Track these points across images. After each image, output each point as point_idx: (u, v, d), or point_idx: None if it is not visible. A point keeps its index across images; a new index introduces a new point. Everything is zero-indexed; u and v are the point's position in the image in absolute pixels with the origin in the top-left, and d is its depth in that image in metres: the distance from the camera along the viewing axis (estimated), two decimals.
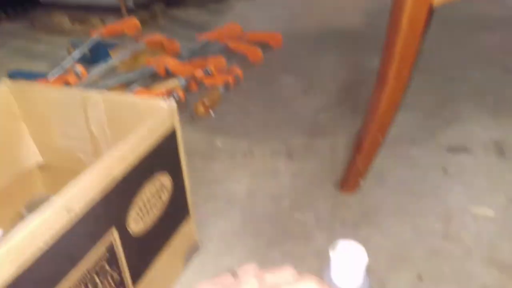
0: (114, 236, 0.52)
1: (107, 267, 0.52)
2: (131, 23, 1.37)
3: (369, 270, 0.66)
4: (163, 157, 0.59)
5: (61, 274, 0.45)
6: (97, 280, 0.51)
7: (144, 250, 0.59)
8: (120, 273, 0.54)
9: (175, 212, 0.64)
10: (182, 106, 1.10)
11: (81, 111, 0.64)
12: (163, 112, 0.57)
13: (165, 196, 0.60)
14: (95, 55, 1.28)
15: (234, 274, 0.32)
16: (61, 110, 0.65)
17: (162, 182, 0.59)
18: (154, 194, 0.58)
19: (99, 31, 1.35)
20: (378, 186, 0.83)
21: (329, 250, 0.50)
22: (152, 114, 0.56)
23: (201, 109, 1.05)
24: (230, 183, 0.86)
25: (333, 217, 0.78)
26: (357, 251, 0.49)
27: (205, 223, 0.78)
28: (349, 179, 0.80)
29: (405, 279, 0.67)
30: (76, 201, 0.44)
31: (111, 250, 0.51)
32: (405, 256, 0.70)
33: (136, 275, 0.57)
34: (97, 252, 0.49)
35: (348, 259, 0.49)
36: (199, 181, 0.86)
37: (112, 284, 0.53)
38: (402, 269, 0.68)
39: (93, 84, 1.13)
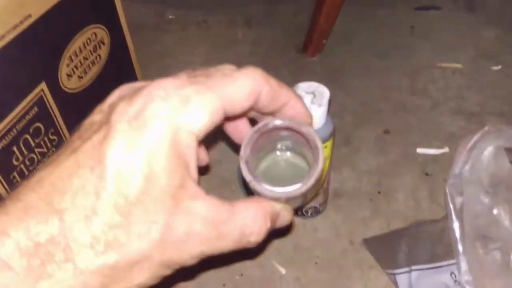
0: (44, 91, 0.45)
1: (42, 128, 0.46)
2: None
3: (336, 128, 0.63)
4: (93, 5, 0.50)
5: None
6: (32, 142, 0.45)
7: (86, 112, 0.53)
8: (59, 136, 0.49)
9: (119, 72, 0.57)
10: None
11: None
12: None
13: (103, 52, 0.53)
14: None
15: None
16: None
17: (97, 36, 0.51)
18: (89, 48, 0.51)
19: None
20: (343, 48, 0.78)
21: None
22: None
23: None
24: (184, 55, 0.79)
25: (296, 81, 0.72)
26: (318, 89, 0.45)
27: None
28: (312, 40, 0.74)
29: (371, 134, 0.64)
30: None
31: (42, 107, 0.45)
32: (371, 113, 0.67)
33: None
34: (26, 108, 0.43)
35: (308, 97, 0.44)
36: (150, 54, 0.78)
37: (51, 148, 0.48)
38: (369, 125, 0.65)
39: None
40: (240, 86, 0.24)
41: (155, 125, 0.22)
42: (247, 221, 0.25)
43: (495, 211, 0.34)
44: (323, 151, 0.26)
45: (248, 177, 0.26)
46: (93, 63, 0.52)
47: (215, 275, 0.49)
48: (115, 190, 0.21)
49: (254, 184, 0.25)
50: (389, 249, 0.48)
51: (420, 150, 0.61)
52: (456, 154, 0.37)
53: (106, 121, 0.23)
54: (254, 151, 0.27)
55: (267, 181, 0.26)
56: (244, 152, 0.26)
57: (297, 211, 0.52)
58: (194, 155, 0.23)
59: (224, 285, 0.48)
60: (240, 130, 0.29)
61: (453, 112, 0.66)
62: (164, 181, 0.22)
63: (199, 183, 0.24)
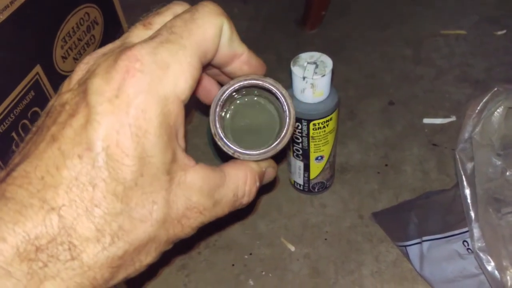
0: (39, 74, 0.44)
1: (40, 112, 0.45)
2: None
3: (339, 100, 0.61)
4: None
5: None
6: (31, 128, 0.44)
7: None
8: None
9: None
10: None
11: None
12: None
13: (97, 32, 0.51)
14: None
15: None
16: None
17: (90, 16, 0.50)
18: (83, 29, 0.49)
19: None
20: (343, 19, 0.76)
21: (291, 64, 0.44)
22: None
23: None
24: None
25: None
26: (320, 58, 0.43)
27: None
28: (311, 12, 0.72)
29: (376, 106, 0.63)
30: None
31: (38, 90, 0.44)
32: (374, 85, 0.66)
33: None
34: (22, 93, 0.42)
35: (311, 67, 0.43)
36: None
37: None
38: (373, 97, 0.64)
39: None
40: (205, 29, 0.22)
41: (140, 102, 0.20)
42: (238, 184, 0.25)
43: (508, 174, 0.33)
44: (293, 112, 0.26)
45: (220, 143, 0.26)
46: (87, 44, 0.50)
47: (224, 255, 0.48)
48: (111, 177, 0.20)
49: (222, 145, 0.26)
50: (399, 222, 0.47)
51: (426, 121, 0.60)
52: (464, 117, 0.36)
53: (83, 102, 0.20)
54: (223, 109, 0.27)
55: (236, 138, 0.27)
56: (213, 117, 0.26)
57: (303, 188, 0.51)
58: (183, 123, 0.22)
59: (233, 265, 0.47)
60: (208, 89, 0.28)
61: (459, 80, 0.65)
62: (157, 159, 0.21)
63: (186, 149, 0.23)
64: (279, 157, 0.29)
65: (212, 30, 0.23)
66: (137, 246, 0.21)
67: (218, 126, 0.26)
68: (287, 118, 0.26)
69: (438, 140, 0.58)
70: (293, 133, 0.26)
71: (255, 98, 0.28)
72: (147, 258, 0.22)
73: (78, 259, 0.20)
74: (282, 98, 0.26)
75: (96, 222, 0.20)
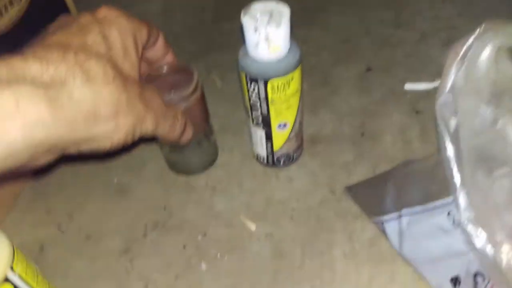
0: None
1: None
2: None
3: (311, 67, 0.56)
4: None
5: None
6: None
7: None
8: None
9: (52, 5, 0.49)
10: None
11: None
12: None
13: None
14: None
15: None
16: None
17: None
18: None
19: None
20: None
21: (241, 15, 0.37)
22: None
23: None
24: (141, 4, 0.70)
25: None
26: (276, 8, 0.37)
27: None
28: None
29: (352, 72, 0.56)
30: None
31: None
32: (351, 50, 0.59)
33: None
34: None
35: (264, 18, 0.36)
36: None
37: None
38: (349, 63, 0.57)
39: None
40: (139, 21, 0.33)
41: (122, 19, 0.31)
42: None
43: (499, 125, 0.27)
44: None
45: None
46: (11, 3, 0.43)
47: (174, 237, 0.42)
48: (109, 46, 0.29)
49: None
50: (375, 194, 0.41)
51: (408, 86, 0.54)
52: (446, 64, 0.30)
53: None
54: None
55: None
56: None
57: (267, 161, 0.45)
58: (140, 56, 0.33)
59: (184, 247, 0.41)
60: None
61: (444, 43, 0.58)
62: (133, 57, 0.30)
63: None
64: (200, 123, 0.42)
65: (146, 28, 0.34)
66: (126, 94, 0.28)
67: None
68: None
69: (422, 107, 0.51)
70: (201, 95, 0.40)
71: None
72: (128, 117, 0.28)
73: (91, 83, 0.26)
74: (189, 67, 0.39)
75: (103, 64, 0.27)
